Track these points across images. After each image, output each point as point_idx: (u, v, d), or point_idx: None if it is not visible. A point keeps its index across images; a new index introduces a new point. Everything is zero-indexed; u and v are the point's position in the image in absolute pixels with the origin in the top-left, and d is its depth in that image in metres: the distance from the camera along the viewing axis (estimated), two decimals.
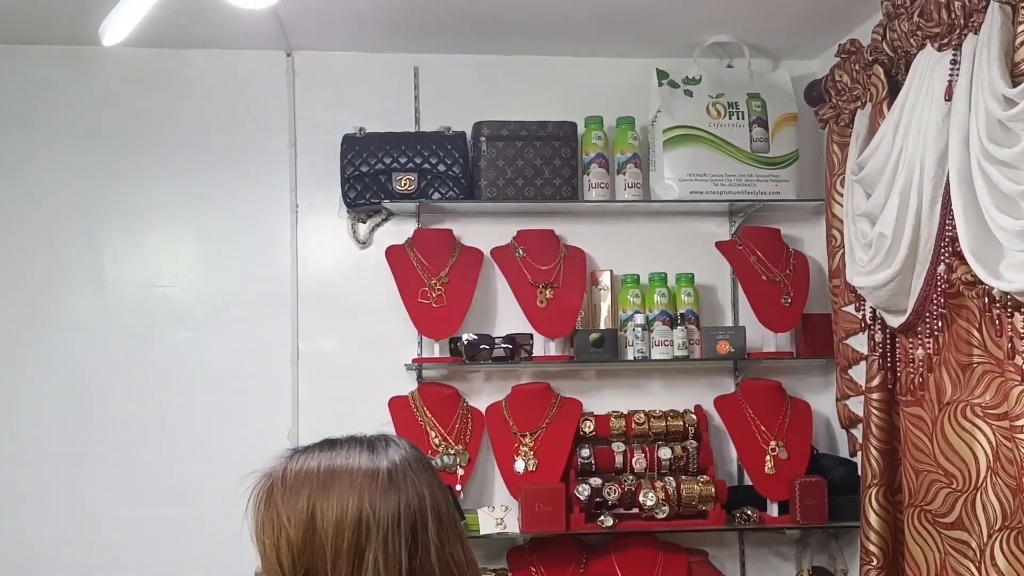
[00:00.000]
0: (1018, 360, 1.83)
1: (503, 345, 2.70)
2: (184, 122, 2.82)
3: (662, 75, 2.80)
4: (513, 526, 2.61)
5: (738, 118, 2.80)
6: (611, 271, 2.83)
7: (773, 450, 2.72)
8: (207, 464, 2.62)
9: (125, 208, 2.79)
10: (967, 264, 1.92)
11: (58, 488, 2.70)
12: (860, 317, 2.46)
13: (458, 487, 2.64)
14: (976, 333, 2.10)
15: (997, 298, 1.87)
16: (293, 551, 1.11)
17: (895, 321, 2.28)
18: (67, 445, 2.71)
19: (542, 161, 2.76)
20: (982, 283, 1.90)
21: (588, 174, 2.79)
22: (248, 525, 1.17)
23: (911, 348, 2.26)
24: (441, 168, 2.75)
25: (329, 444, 1.22)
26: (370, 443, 1.22)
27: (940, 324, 2.14)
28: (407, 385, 2.77)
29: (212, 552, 2.42)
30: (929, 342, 2.18)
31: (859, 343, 2.53)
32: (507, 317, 2.83)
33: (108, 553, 2.68)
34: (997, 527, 2.03)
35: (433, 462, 2.58)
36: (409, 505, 1.14)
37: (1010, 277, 1.75)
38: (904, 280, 2.18)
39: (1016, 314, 1.84)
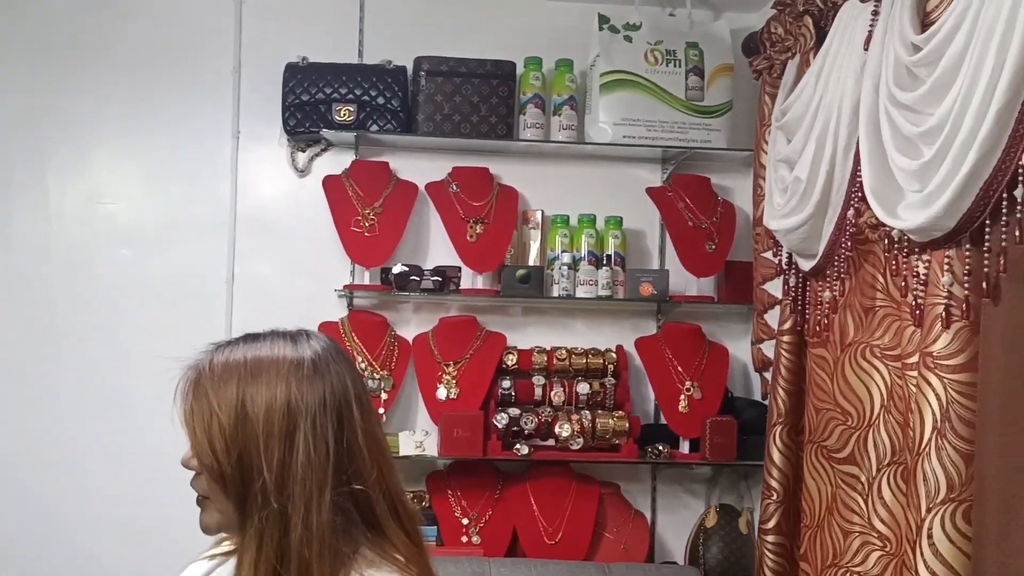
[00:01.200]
0: (910, 299, 1.84)
1: (432, 277, 2.69)
2: (132, 42, 2.74)
3: (603, 20, 2.75)
4: (432, 450, 2.59)
5: (675, 66, 2.76)
6: (542, 211, 2.80)
7: (688, 390, 2.73)
8: (145, 376, 2.59)
9: (71, 125, 2.71)
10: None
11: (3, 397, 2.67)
12: (776, 262, 2.45)
13: (381, 411, 2.62)
14: (880, 278, 2.09)
15: (896, 239, 1.88)
16: (226, 436, 1.14)
17: (807, 265, 2.28)
18: (11, 356, 2.67)
19: (479, 99, 2.71)
20: (884, 225, 1.91)
21: (524, 114, 2.74)
22: (176, 413, 1.18)
23: (820, 291, 2.26)
24: (380, 101, 2.70)
25: (252, 337, 1.23)
26: (292, 336, 1.23)
27: (847, 267, 2.14)
28: (338, 312, 2.72)
29: (149, 452, 2.41)
30: (836, 284, 2.18)
31: (775, 288, 2.53)
32: (438, 251, 2.77)
33: (54, 458, 2.64)
34: (886, 462, 2.04)
35: None
36: (334, 392, 1.17)
37: (905, 216, 1.75)
38: (816, 224, 2.17)
39: (912, 256, 1.85)
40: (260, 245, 2.77)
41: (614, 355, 2.75)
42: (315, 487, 1.13)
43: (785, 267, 2.42)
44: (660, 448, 2.67)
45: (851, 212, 2.07)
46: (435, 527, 2.60)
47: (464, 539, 2.60)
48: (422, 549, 1.24)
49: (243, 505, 1.15)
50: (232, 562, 1.23)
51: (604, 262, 2.73)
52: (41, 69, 2.72)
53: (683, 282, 2.81)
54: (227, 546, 1.31)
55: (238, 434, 1.14)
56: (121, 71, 2.75)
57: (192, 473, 1.20)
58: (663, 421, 2.78)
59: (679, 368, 2.74)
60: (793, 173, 2.20)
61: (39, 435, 2.66)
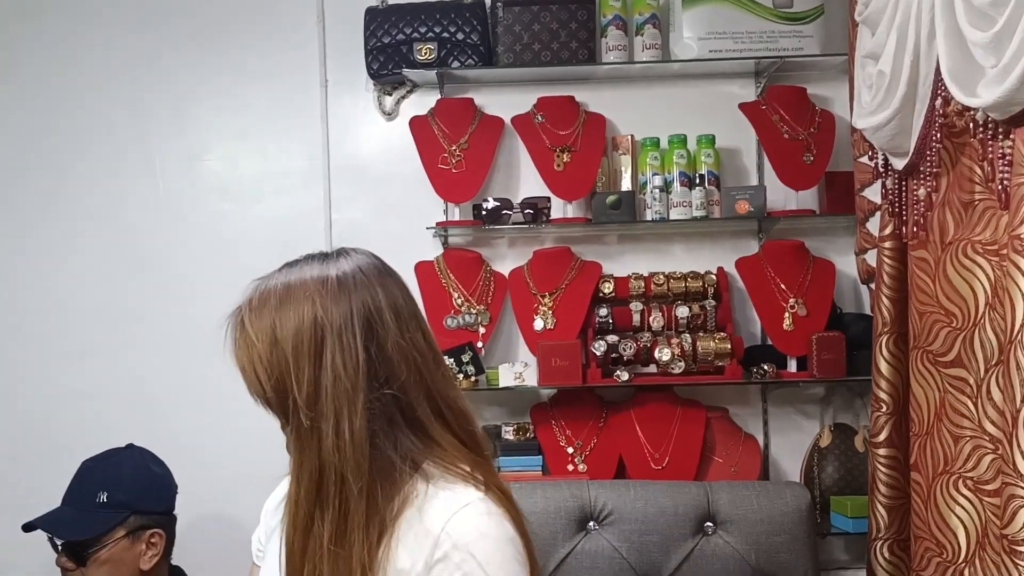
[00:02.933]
0: (997, 183, 1.78)
1: (523, 210, 2.74)
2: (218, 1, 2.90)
3: None
4: (532, 380, 2.65)
5: None
6: (631, 136, 2.80)
7: (792, 307, 2.69)
8: None
9: (169, 87, 2.89)
10: None
11: (117, 343, 2.87)
12: (873, 166, 2.40)
13: (479, 344, 2.70)
14: (978, 170, 2.03)
15: (980, 123, 1.81)
16: (264, 363, 1.22)
17: (900, 163, 2.21)
18: (125, 306, 2.87)
19: (559, 25, 2.73)
20: (969, 109, 1.84)
21: (606, 37, 2.74)
22: (229, 354, 1.28)
23: (915, 189, 2.20)
24: (460, 36, 2.76)
25: (288, 265, 1.31)
26: (324, 256, 1.31)
27: (940, 161, 2.08)
28: (434, 251, 2.82)
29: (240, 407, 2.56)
30: (931, 181, 2.11)
31: (874, 194, 2.47)
32: (528, 183, 2.81)
33: (159, 403, 2.83)
34: (994, 362, 1.99)
35: (456, 321, 2.69)
36: (363, 304, 1.23)
37: (983, 94, 1.69)
38: (905, 119, 2.11)
39: (998, 137, 1.78)
40: (354, 190, 2.88)
41: (714, 277, 2.74)
42: (344, 397, 1.20)
43: (882, 170, 2.35)
44: (765, 368, 2.65)
45: (939, 102, 2.00)
46: (540, 456, 2.67)
47: (570, 467, 2.66)
48: (483, 455, 1.30)
49: (288, 424, 1.24)
50: None
51: (697, 182, 2.72)
52: (139, 35, 2.90)
53: (782, 198, 2.77)
54: None
55: (273, 360, 1.22)
56: (211, 30, 2.90)
57: None
58: (769, 343, 2.75)
59: (782, 286, 2.72)
60: (877, 67, 2.14)
61: (150, 380, 2.86)
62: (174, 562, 2.35)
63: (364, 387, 1.20)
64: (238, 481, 2.72)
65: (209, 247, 2.89)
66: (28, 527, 2.21)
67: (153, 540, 2.22)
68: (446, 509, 1.20)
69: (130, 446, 2.37)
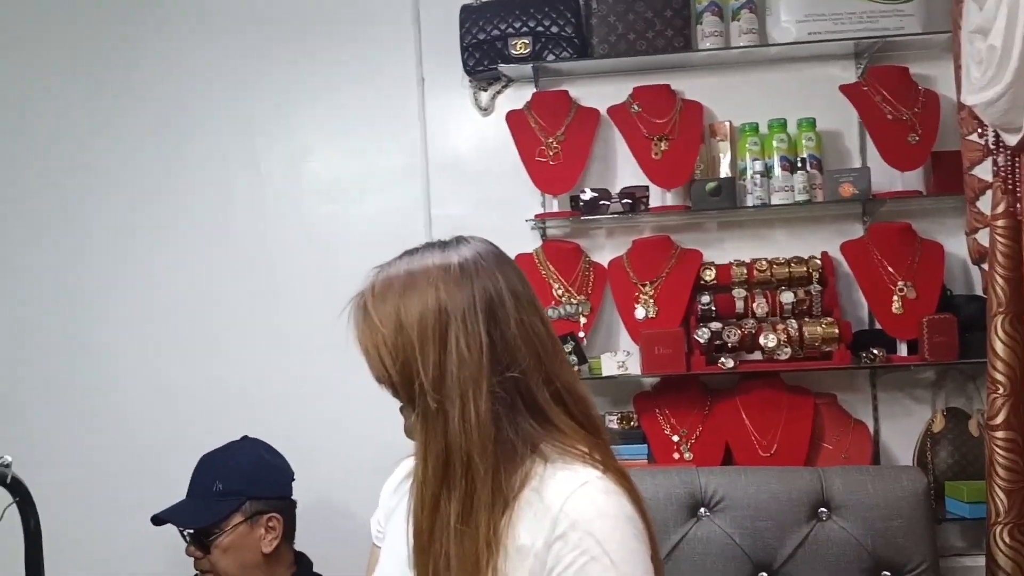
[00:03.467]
0: None
1: (621, 200, 2.75)
2: (315, 2, 2.98)
3: None
4: (635, 368, 2.66)
5: None
6: (729, 122, 2.80)
7: (900, 290, 2.65)
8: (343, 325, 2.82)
9: (272, 90, 2.99)
10: None
11: (229, 341, 2.97)
12: (983, 143, 2.35)
13: (581, 334, 2.72)
14: None
15: None
16: (388, 346, 1.26)
17: (1013, 139, 2.16)
18: (234, 305, 2.97)
19: (653, 13, 2.74)
20: None
21: (701, 23, 2.75)
22: (353, 338, 1.32)
23: None
24: (554, 30, 2.79)
25: (408, 253, 1.35)
26: (444, 244, 1.35)
27: None
28: (532, 243, 2.85)
29: (350, 397, 2.64)
30: None
31: (985, 172, 2.42)
32: (625, 173, 2.83)
33: (272, 397, 2.92)
34: None
35: (556, 311, 2.71)
36: (485, 290, 1.27)
37: None
38: (1017, 93, 2.06)
39: None
40: (452, 186, 2.93)
41: (818, 262, 2.72)
42: (470, 381, 1.23)
43: (992, 147, 2.31)
44: (875, 352, 2.62)
45: None
46: (646, 445, 2.68)
47: (676, 456, 2.66)
48: (600, 437, 1.31)
49: (414, 407, 1.27)
50: None
51: (799, 166, 2.70)
52: (242, 40, 3.01)
53: (887, 180, 2.74)
54: None
55: (398, 344, 1.25)
56: (310, 34, 2.99)
57: None
58: (878, 327, 2.72)
59: (890, 269, 2.68)
60: (987, 41, 2.10)
61: (266, 377, 2.96)
62: (296, 548, 2.43)
63: (488, 371, 1.24)
64: (350, 468, 2.82)
65: (312, 246, 2.97)
66: (156, 520, 2.31)
67: (271, 524, 2.31)
68: (565, 488, 1.22)
69: (244, 438, 2.46)
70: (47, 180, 3.04)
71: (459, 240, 1.35)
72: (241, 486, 2.32)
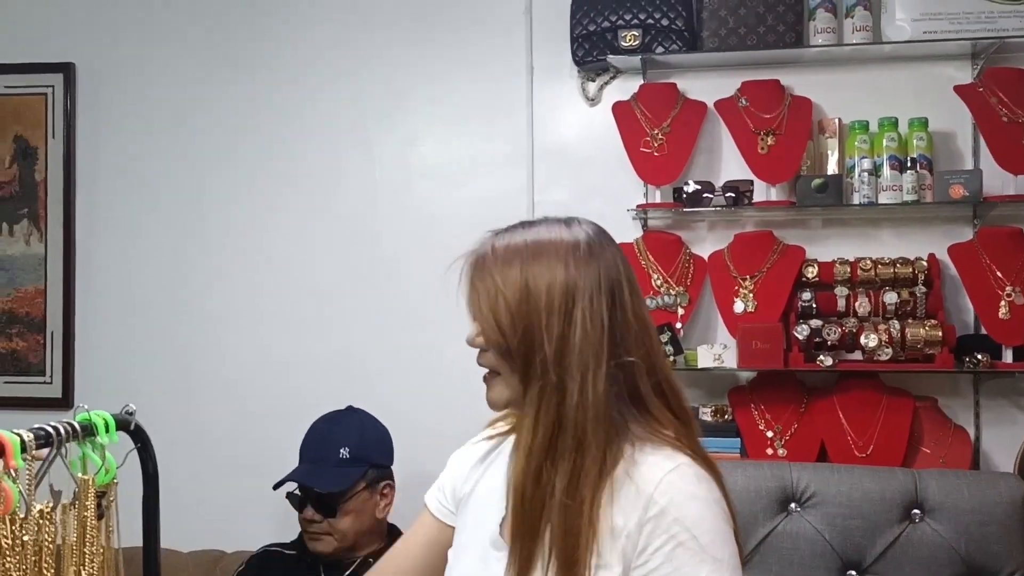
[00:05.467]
0: None
1: (724, 193, 2.78)
2: None
3: None
4: (731, 362, 2.69)
5: None
6: (838, 119, 2.80)
7: (1008, 295, 2.62)
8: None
9: (384, 76, 3.09)
10: None
11: (334, 317, 3.09)
12: None
13: (678, 325, 2.76)
14: None
15: None
16: (511, 312, 1.29)
17: None
18: (342, 283, 3.09)
19: (765, 8, 2.76)
20: None
21: (814, 19, 2.76)
22: (462, 297, 1.37)
23: None
24: (664, 22, 2.83)
25: (527, 224, 1.39)
26: (565, 221, 1.38)
27: None
28: (633, 233, 2.90)
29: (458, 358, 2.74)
30: None
31: None
32: (729, 166, 2.86)
33: (370, 372, 3.04)
34: None
35: (655, 302, 2.76)
36: (608, 271, 1.32)
37: None
38: None
39: None
40: (556, 173, 3.01)
41: (924, 263, 2.71)
42: (592, 359, 1.26)
43: None
44: (979, 357, 2.60)
45: None
46: (739, 439, 2.71)
47: (769, 451, 2.69)
48: (690, 427, 1.34)
49: (526, 376, 1.30)
50: (512, 438, 1.41)
51: (908, 166, 2.70)
52: (358, 30, 3.13)
53: (999, 183, 2.71)
54: (502, 426, 1.49)
55: (522, 310, 1.28)
56: (424, 23, 3.09)
57: (477, 352, 1.36)
58: (983, 332, 2.69)
59: (998, 273, 2.66)
60: None
61: (367, 351, 3.08)
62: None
63: (608, 351, 1.27)
64: (445, 443, 2.90)
65: (418, 226, 3.08)
66: (280, 485, 2.43)
67: (385, 491, 2.46)
68: (658, 471, 1.25)
69: (351, 408, 2.58)
70: (167, 158, 3.21)
71: (578, 220, 1.38)
72: (365, 453, 2.46)
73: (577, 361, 1.26)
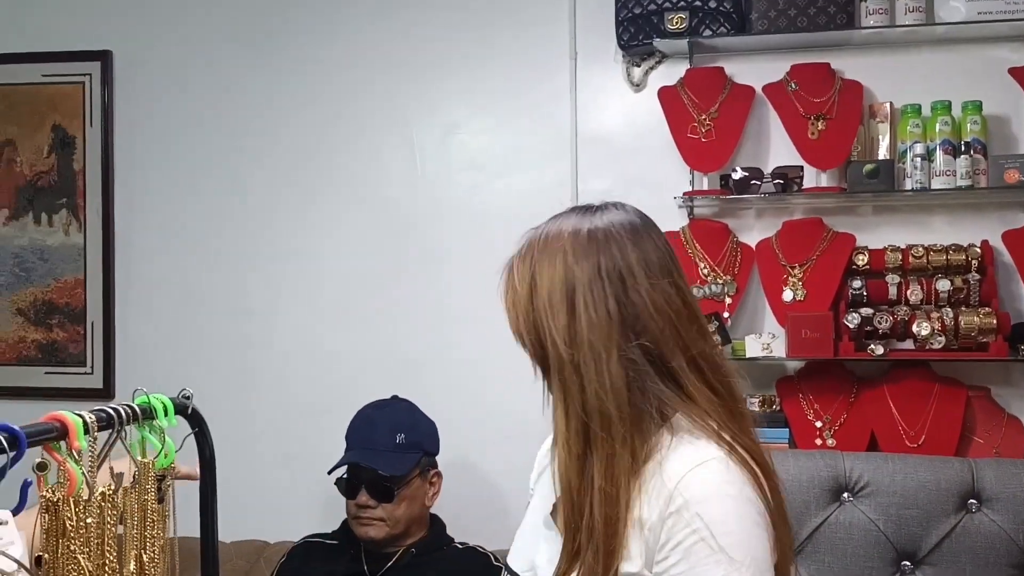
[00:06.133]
0: None
1: (773, 180, 2.76)
2: None
3: None
4: (780, 351, 2.67)
5: None
6: (890, 103, 2.76)
7: None
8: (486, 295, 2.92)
9: (424, 65, 3.08)
10: None
11: (375, 308, 3.09)
12: None
13: (726, 315, 2.74)
14: None
15: None
16: (523, 307, 1.34)
17: None
18: (383, 273, 3.09)
19: None
20: None
21: (865, 0, 2.73)
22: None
23: None
24: (712, 4, 2.80)
25: (555, 217, 1.41)
26: (585, 209, 1.40)
27: None
28: (679, 221, 2.88)
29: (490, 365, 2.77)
30: None
31: None
32: (778, 152, 2.83)
33: (412, 363, 3.03)
34: None
35: (702, 291, 2.74)
36: (612, 258, 1.31)
37: None
38: None
39: None
40: (600, 161, 2.99)
41: (978, 250, 2.67)
42: (601, 345, 1.27)
43: None
44: None
45: None
46: (787, 430, 2.69)
47: (818, 442, 2.67)
48: (735, 403, 1.32)
49: (546, 368, 1.33)
50: None
51: (962, 150, 2.66)
52: (397, 15, 3.11)
53: None
54: None
55: (531, 305, 1.32)
56: (464, 8, 3.08)
57: None
58: None
59: None
60: None
61: (411, 342, 3.07)
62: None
63: (619, 336, 1.28)
64: (486, 436, 2.93)
65: (460, 217, 3.07)
66: (336, 468, 2.43)
67: (434, 480, 2.47)
68: (684, 464, 1.24)
69: (396, 397, 2.58)
70: (205, 147, 3.22)
71: (603, 207, 1.39)
72: (419, 439, 2.47)
73: (588, 349, 1.28)
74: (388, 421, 2.47)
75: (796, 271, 2.75)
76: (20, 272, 3.34)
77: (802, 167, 2.74)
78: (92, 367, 3.26)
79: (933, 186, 2.66)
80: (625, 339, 1.28)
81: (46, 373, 3.30)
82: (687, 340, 1.30)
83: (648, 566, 1.23)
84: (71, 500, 1.21)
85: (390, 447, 2.41)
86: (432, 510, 2.54)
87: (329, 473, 2.46)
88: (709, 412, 1.28)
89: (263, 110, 3.18)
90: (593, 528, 1.26)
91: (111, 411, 1.31)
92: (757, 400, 2.76)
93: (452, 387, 2.98)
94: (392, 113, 3.12)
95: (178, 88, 3.24)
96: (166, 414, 1.41)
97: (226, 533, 2.78)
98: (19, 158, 3.34)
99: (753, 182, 2.75)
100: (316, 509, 2.82)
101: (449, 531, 2.56)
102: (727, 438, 1.26)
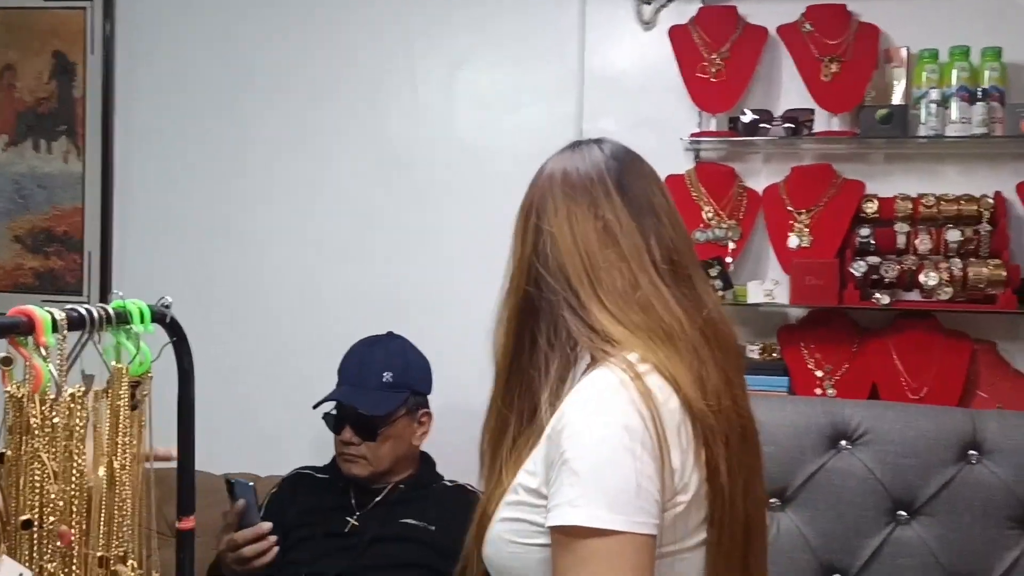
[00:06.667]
0: None
1: (783, 124, 2.71)
2: None
3: None
4: (782, 298, 2.64)
5: None
6: (907, 48, 2.70)
7: None
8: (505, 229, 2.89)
9: None
10: None
11: (374, 245, 3.06)
12: None
13: (728, 260, 2.70)
14: None
15: None
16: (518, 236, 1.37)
17: None
18: (383, 210, 3.05)
19: None
20: None
21: None
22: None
23: None
24: None
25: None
26: (572, 145, 1.42)
27: None
28: (685, 164, 2.84)
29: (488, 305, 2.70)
30: None
31: None
32: (789, 95, 2.77)
33: (411, 300, 3.00)
34: None
35: (705, 235, 2.70)
36: (536, 190, 1.36)
37: None
38: None
39: None
40: (607, 101, 2.93)
41: (990, 201, 2.62)
42: (511, 284, 1.34)
43: None
44: None
45: None
46: (786, 378, 2.65)
47: (818, 391, 2.64)
48: (653, 329, 1.25)
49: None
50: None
51: (979, 97, 2.60)
52: None
53: None
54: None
55: (515, 237, 1.36)
56: None
57: None
58: None
59: None
60: None
61: (409, 279, 3.04)
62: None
63: (523, 278, 1.33)
64: (480, 376, 2.88)
65: (463, 154, 3.03)
66: (321, 404, 2.41)
67: (423, 419, 2.44)
68: (577, 389, 1.23)
69: (391, 333, 2.55)
70: (206, 76, 3.17)
71: (581, 144, 1.41)
72: (407, 379, 2.44)
73: (508, 287, 1.35)
74: (377, 359, 2.44)
75: (803, 217, 2.70)
76: (19, 199, 3.32)
77: (813, 111, 2.69)
78: (89, 296, 3.24)
79: (947, 133, 2.60)
80: (528, 281, 1.31)
81: (43, 301, 3.23)
82: (597, 275, 1.27)
83: (545, 483, 1.20)
84: (36, 398, 1.19)
85: (376, 385, 2.39)
86: (425, 448, 2.52)
87: (315, 408, 2.44)
88: (614, 341, 1.23)
89: (264, 39, 3.13)
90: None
91: (83, 311, 1.28)
92: (757, 348, 2.73)
93: (448, 326, 2.94)
94: (395, 46, 3.07)
95: (179, 16, 3.19)
96: (142, 320, 1.39)
97: (217, 466, 2.80)
98: (18, 83, 3.30)
99: (762, 125, 2.70)
100: (309, 443, 2.80)
101: (440, 469, 2.55)
102: (626, 363, 1.20)
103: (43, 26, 3.27)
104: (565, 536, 1.15)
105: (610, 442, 1.15)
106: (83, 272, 3.26)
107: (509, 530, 1.24)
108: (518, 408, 1.32)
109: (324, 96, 3.11)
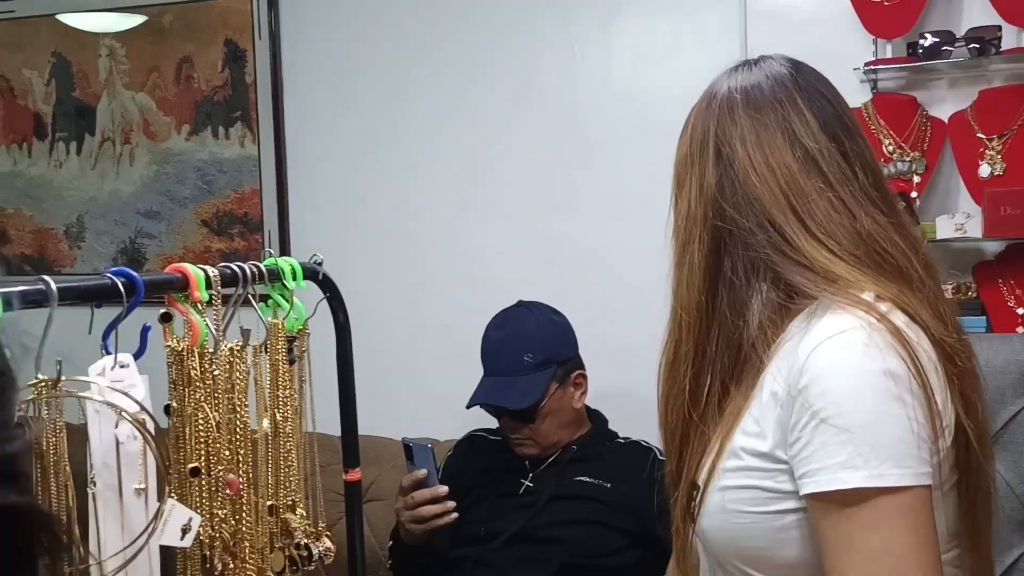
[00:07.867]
0: None
1: (967, 45, 2.53)
2: None
3: None
4: (975, 231, 2.47)
5: None
6: None
7: None
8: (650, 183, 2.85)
9: None
10: None
11: (530, 204, 3.08)
12: None
13: (914, 194, 2.55)
14: None
15: None
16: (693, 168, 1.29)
17: None
18: (538, 168, 3.05)
19: None
20: None
21: None
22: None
23: None
24: None
25: None
26: (741, 64, 1.37)
27: None
28: (861, 97, 2.69)
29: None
30: None
31: None
32: (971, 13, 2.58)
33: (565, 260, 3.01)
34: None
35: (887, 169, 2.57)
36: (719, 122, 1.26)
37: None
38: None
39: None
40: (772, 37, 2.80)
41: None
42: (694, 225, 1.25)
43: None
44: None
45: None
46: (984, 317, 2.50)
47: (1020, 330, 2.47)
48: (894, 270, 1.17)
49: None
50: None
51: None
52: None
53: None
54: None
55: (689, 170, 1.28)
56: None
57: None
58: None
59: None
60: None
61: (565, 239, 3.04)
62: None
63: (709, 213, 1.23)
64: (648, 331, 2.84)
65: (621, 108, 2.98)
66: (472, 406, 2.43)
67: (578, 381, 2.42)
68: (816, 338, 1.12)
69: (520, 304, 2.52)
70: (368, 53, 3.23)
71: (753, 62, 1.35)
72: (548, 353, 2.40)
73: (683, 228, 1.26)
74: (512, 341, 2.41)
75: (994, 143, 2.53)
76: (202, 185, 3.51)
77: (1000, 27, 2.50)
78: None
79: None
80: (718, 216, 1.22)
81: None
82: (804, 208, 1.17)
83: (781, 446, 1.12)
84: (195, 351, 1.25)
85: (519, 370, 2.36)
86: (594, 405, 2.52)
87: (468, 408, 2.44)
88: (853, 283, 1.14)
89: (424, 11, 3.18)
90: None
91: (236, 268, 1.34)
92: (951, 287, 2.57)
93: (603, 285, 2.93)
94: (548, 7, 3.05)
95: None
96: (295, 277, 1.44)
97: (395, 431, 2.89)
98: (196, 74, 3.48)
99: (944, 47, 2.53)
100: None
101: (612, 426, 2.53)
102: (880, 308, 1.12)
103: (214, 15, 3.43)
104: (837, 503, 1.06)
105: (876, 392, 1.07)
106: (264, 250, 3.41)
107: (738, 499, 1.16)
108: (711, 359, 1.22)
109: (481, 63, 3.12)
